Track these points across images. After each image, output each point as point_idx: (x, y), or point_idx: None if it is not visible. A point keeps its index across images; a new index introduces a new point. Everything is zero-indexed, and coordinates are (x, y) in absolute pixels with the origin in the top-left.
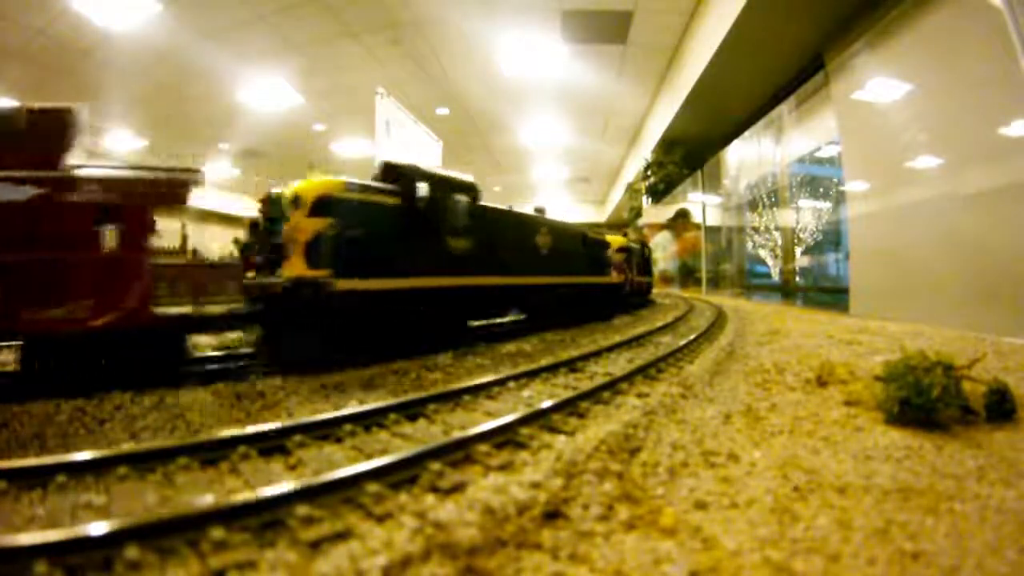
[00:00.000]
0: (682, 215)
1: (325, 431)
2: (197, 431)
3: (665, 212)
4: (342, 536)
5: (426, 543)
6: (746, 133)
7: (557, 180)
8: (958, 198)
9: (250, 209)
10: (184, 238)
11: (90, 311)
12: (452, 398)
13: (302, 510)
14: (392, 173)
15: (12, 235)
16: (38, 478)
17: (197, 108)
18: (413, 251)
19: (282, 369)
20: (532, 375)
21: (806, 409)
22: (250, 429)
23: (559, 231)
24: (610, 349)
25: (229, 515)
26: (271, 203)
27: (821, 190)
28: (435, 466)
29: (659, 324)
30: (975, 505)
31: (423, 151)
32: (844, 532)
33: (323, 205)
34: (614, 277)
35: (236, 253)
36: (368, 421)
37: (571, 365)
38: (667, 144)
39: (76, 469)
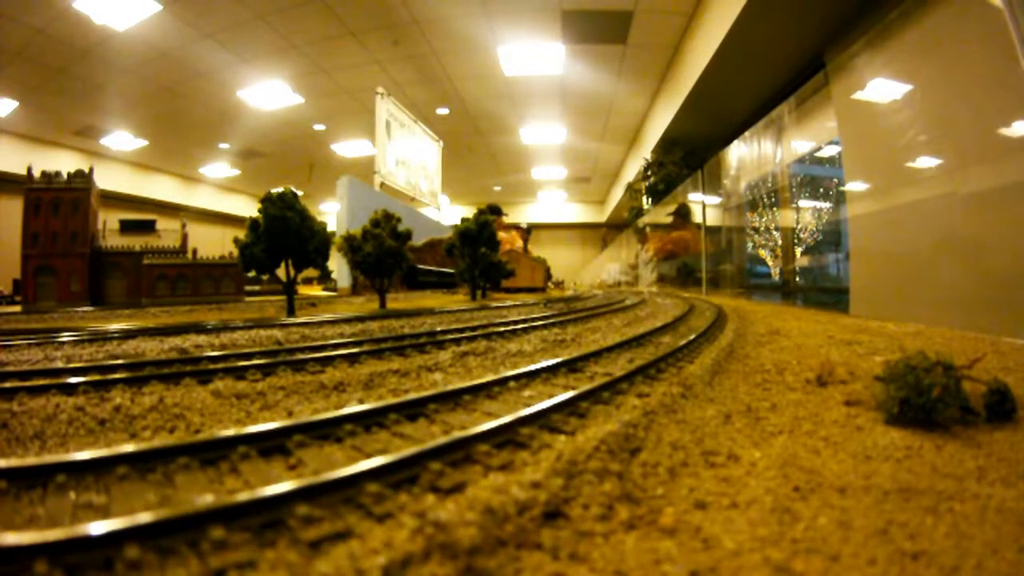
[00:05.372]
0: (682, 214)
1: (325, 431)
2: (197, 431)
3: (666, 212)
4: (342, 536)
5: (426, 543)
6: (746, 133)
7: (557, 180)
8: (958, 198)
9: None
10: (184, 238)
11: None
12: (452, 398)
13: (302, 510)
14: None
15: None
16: (38, 478)
17: (197, 108)
18: None
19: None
20: (532, 375)
21: (806, 409)
22: (250, 429)
23: None
24: (610, 349)
25: (229, 515)
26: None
27: (821, 190)
28: (435, 466)
29: (659, 324)
30: (975, 505)
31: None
32: (844, 532)
33: None
34: None
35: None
36: (368, 421)
37: (571, 365)
38: (667, 144)
39: (76, 469)
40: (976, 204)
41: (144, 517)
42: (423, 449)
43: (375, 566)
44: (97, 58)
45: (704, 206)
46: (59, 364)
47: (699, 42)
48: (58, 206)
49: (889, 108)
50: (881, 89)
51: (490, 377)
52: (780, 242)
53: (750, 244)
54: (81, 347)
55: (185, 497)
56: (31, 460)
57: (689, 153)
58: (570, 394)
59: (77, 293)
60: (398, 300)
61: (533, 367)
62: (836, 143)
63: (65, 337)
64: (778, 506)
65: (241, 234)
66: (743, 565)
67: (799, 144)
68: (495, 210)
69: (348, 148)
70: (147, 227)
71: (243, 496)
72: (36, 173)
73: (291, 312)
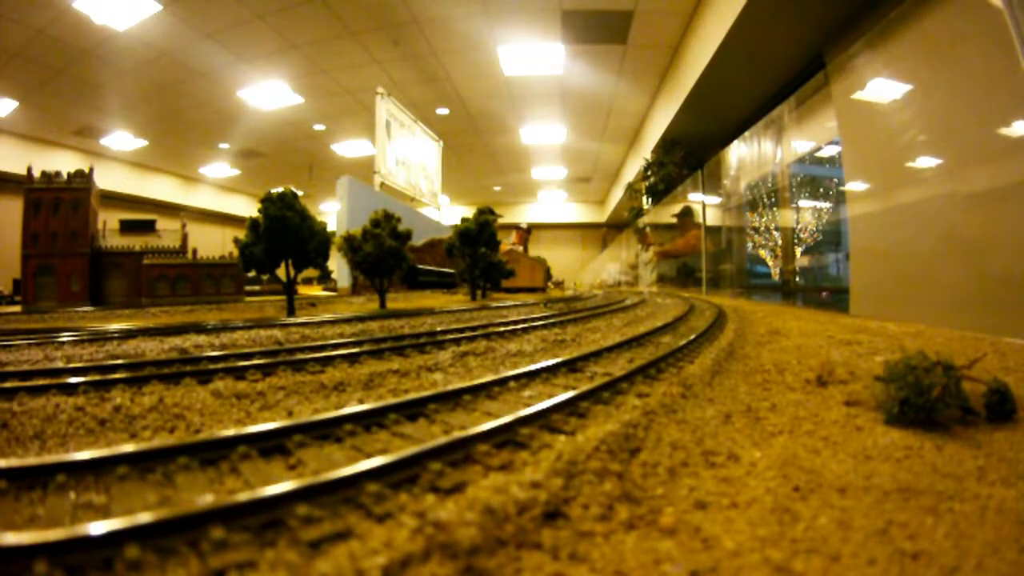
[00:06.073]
0: (685, 214)
1: (325, 431)
2: (197, 431)
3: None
4: (342, 536)
5: (426, 543)
6: (746, 133)
7: (557, 180)
8: (958, 198)
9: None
10: (184, 238)
11: None
12: (452, 398)
13: (302, 510)
14: None
15: None
16: (38, 478)
17: (197, 108)
18: None
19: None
20: (532, 375)
21: (806, 409)
22: (250, 429)
23: None
24: (610, 349)
25: (229, 515)
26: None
27: (821, 190)
28: (435, 466)
29: (659, 324)
30: (975, 505)
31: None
32: (844, 532)
33: None
34: None
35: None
36: (368, 421)
37: (571, 365)
38: (667, 144)
39: (76, 469)
40: (976, 204)
41: (144, 517)
42: (423, 449)
43: (375, 566)
44: (97, 58)
45: (704, 206)
46: (59, 364)
47: (699, 42)
48: (58, 206)
49: (889, 108)
50: (881, 89)
51: (490, 377)
52: (780, 242)
53: (750, 244)
54: (81, 347)
55: (185, 497)
56: (31, 460)
57: (689, 153)
58: (570, 394)
59: (77, 293)
60: (398, 300)
61: (533, 367)
62: (836, 143)
63: (65, 337)
64: (778, 506)
65: (241, 234)
66: (743, 565)
67: (799, 144)
68: (489, 211)
69: (348, 148)
70: (147, 227)
71: (243, 496)
72: (36, 173)
73: (291, 312)
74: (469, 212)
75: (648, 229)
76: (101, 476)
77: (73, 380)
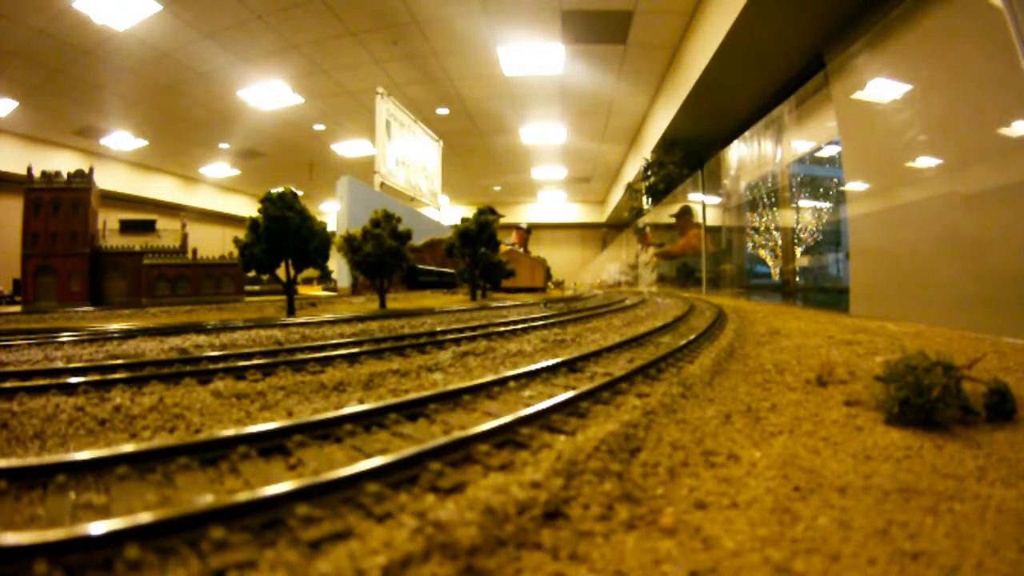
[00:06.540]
0: (684, 213)
1: (325, 431)
2: (197, 431)
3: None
4: (342, 536)
5: (426, 543)
6: (746, 133)
7: (557, 180)
8: (958, 198)
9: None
10: (184, 238)
11: None
12: (452, 398)
13: (302, 510)
14: None
15: None
16: (38, 478)
17: (197, 108)
18: None
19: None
20: (532, 375)
21: (806, 409)
22: (250, 429)
23: None
24: (610, 349)
25: (229, 515)
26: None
27: (821, 190)
28: (435, 466)
29: (659, 324)
30: (975, 505)
31: (423, 151)
32: (844, 532)
33: None
34: None
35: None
36: (368, 421)
37: (571, 365)
38: (667, 144)
39: (76, 469)
40: (976, 204)
41: (144, 517)
42: (423, 449)
43: (375, 566)
44: (97, 58)
45: (704, 206)
46: (59, 364)
47: (699, 42)
48: (58, 206)
49: (889, 108)
50: (881, 89)
51: (490, 377)
52: (780, 242)
53: (750, 244)
54: (81, 347)
55: (185, 497)
56: (31, 460)
57: (689, 153)
58: (570, 394)
59: (77, 293)
60: (398, 300)
61: (533, 367)
62: (836, 143)
63: (65, 337)
64: (778, 506)
65: (241, 234)
66: (743, 565)
67: (799, 144)
68: (489, 211)
69: (348, 148)
70: (147, 227)
71: (243, 496)
72: (36, 173)
73: (291, 312)
74: (469, 212)
75: (648, 229)
76: (101, 476)
77: (73, 380)
